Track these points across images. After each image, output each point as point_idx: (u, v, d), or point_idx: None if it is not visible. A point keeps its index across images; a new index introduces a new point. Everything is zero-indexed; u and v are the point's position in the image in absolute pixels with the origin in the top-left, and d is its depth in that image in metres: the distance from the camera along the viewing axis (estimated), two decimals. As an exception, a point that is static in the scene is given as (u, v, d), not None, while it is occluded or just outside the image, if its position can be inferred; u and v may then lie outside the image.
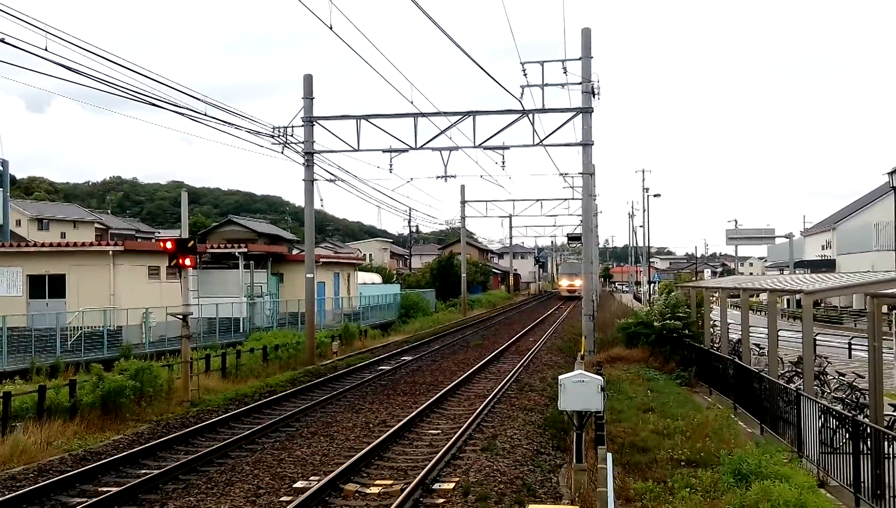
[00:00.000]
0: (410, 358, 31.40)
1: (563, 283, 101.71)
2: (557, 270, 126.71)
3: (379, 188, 65.62)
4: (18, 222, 75.99)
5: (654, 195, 72.88)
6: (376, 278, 65.06)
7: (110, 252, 32.88)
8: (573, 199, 54.80)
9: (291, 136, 27.96)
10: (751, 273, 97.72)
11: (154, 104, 19.39)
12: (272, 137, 26.96)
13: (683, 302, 29.25)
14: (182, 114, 20.89)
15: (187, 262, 20.74)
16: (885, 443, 11.29)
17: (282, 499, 11.65)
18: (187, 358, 21.30)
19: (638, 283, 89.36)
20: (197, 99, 21.29)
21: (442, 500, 11.49)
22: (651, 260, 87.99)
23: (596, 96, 27.46)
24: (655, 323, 27.56)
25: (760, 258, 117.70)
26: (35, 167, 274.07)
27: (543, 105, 27.48)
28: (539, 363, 29.52)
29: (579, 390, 12.73)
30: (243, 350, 27.89)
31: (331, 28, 16.42)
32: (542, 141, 27.58)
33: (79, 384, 18.10)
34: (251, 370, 25.96)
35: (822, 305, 58.12)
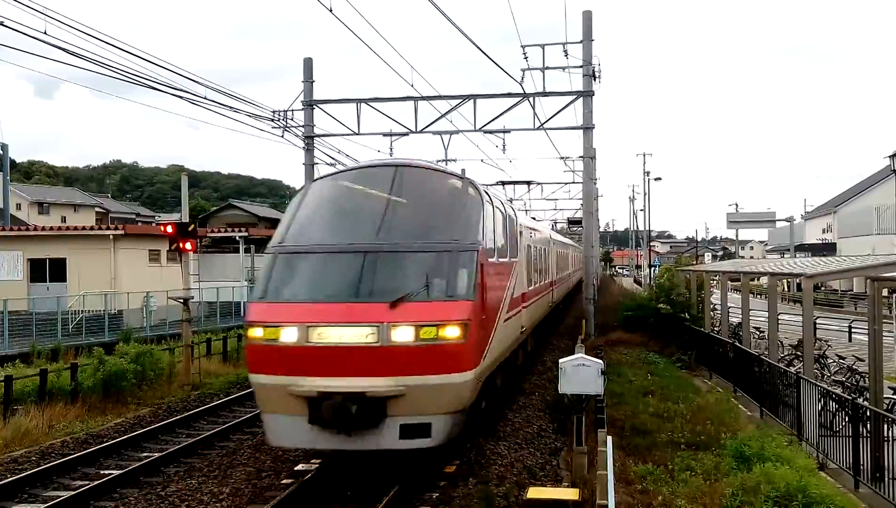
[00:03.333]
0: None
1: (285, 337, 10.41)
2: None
3: (379, 172, 65.53)
4: (19, 207, 75.94)
5: (655, 179, 72.88)
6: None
7: (111, 236, 32.89)
8: (574, 183, 54.60)
9: (291, 120, 27.83)
10: (751, 257, 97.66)
11: (152, 87, 19.27)
12: (272, 120, 26.84)
13: (680, 285, 29.25)
14: (181, 97, 20.76)
15: (188, 246, 20.74)
16: (885, 426, 11.34)
17: (283, 481, 11.69)
18: (188, 342, 21.34)
19: (638, 266, 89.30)
20: (197, 83, 21.15)
21: (443, 483, 11.52)
22: (652, 244, 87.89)
23: (597, 80, 27.31)
24: (651, 305, 27.72)
25: (761, 242, 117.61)
26: (41, 152, 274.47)
27: (544, 89, 27.33)
28: (539, 346, 29.53)
29: (580, 373, 12.74)
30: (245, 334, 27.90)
31: (331, 10, 16.29)
32: (542, 125, 27.47)
33: (80, 367, 18.13)
34: (252, 354, 25.96)
35: (823, 288, 58.18)
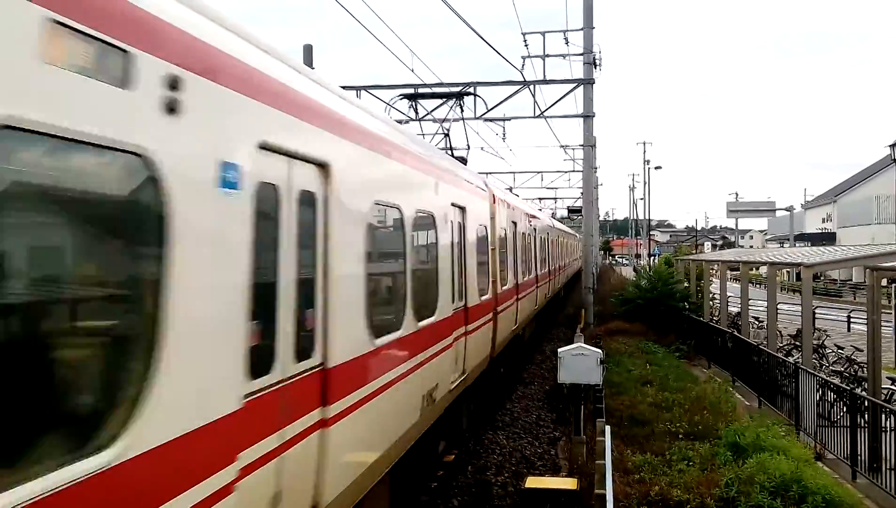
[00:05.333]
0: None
1: None
2: None
3: (379, 160, 65.46)
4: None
5: (655, 168, 72.93)
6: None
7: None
8: (574, 171, 54.56)
9: (291, 107, 27.76)
10: (751, 246, 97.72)
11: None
12: (271, 108, 26.77)
13: (680, 274, 29.28)
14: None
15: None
16: (883, 416, 11.35)
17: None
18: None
19: (638, 256, 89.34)
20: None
21: (442, 472, 11.55)
22: (651, 233, 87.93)
23: (597, 67, 27.24)
24: (647, 295, 27.91)
25: (761, 231, 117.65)
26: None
27: (545, 76, 27.26)
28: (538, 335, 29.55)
29: (578, 363, 12.75)
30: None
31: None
32: (543, 113, 27.41)
33: None
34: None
35: (822, 278, 58.23)
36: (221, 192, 3.92)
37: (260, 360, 4.32)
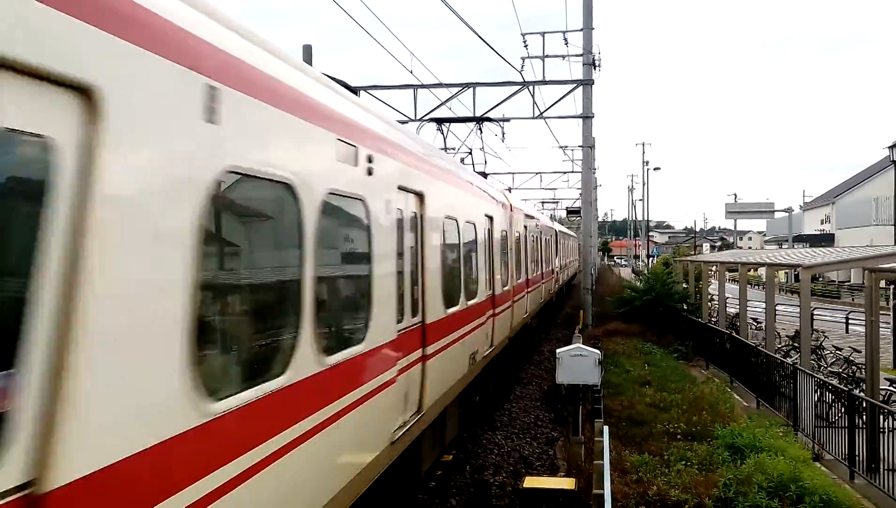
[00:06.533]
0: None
1: None
2: None
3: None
4: None
5: (654, 169, 72.96)
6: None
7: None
8: (573, 172, 54.58)
9: (290, 107, 27.71)
10: (749, 247, 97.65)
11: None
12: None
13: (678, 275, 29.26)
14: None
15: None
16: (881, 417, 11.38)
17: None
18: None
19: (637, 257, 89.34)
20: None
21: (440, 472, 11.56)
22: (650, 234, 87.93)
23: (597, 68, 27.25)
24: (644, 297, 27.90)
25: (759, 232, 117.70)
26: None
27: (544, 77, 27.29)
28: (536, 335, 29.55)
29: (577, 363, 12.77)
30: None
31: (330, -3, 16.21)
32: (542, 113, 27.42)
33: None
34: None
35: (821, 279, 58.25)
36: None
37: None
